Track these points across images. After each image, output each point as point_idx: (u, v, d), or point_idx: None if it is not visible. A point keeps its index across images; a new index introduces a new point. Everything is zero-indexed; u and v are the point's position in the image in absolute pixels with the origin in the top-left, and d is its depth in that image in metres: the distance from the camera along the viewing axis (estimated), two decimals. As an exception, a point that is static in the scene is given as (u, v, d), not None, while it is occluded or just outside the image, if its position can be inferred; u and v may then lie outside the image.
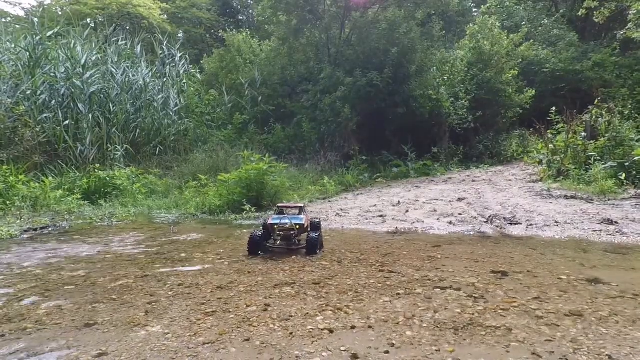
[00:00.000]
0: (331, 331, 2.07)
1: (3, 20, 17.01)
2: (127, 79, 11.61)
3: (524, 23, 18.26)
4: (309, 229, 3.99)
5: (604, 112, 8.54)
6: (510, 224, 4.85)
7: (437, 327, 2.10)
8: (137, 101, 11.42)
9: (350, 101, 11.48)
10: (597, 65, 17.02)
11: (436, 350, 1.86)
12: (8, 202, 6.37)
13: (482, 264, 3.28)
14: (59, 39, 11.23)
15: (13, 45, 10.22)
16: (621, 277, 2.87)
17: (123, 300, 2.59)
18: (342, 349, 1.89)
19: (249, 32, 17.45)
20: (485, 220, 5.10)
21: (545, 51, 17.67)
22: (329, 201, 7.46)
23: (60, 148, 8.81)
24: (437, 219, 5.35)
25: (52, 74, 9.85)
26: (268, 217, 4.02)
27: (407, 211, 6.02)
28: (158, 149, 10.91)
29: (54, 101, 9.38)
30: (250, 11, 27.54)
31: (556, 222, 4.82)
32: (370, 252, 3.77)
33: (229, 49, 16.19)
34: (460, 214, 5.57)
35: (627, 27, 13.12)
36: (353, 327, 2.11)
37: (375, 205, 6.65)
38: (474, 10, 24.38)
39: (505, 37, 14.63)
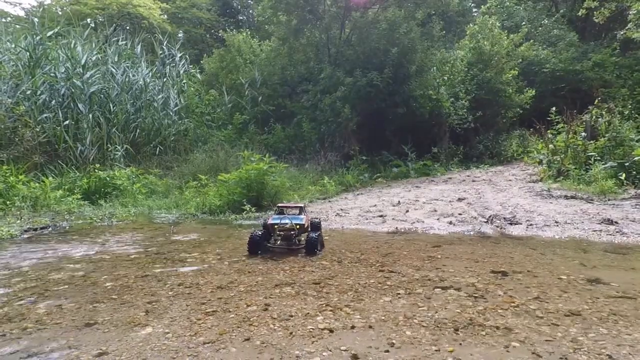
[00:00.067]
0: (331, 331, 2.07)
1: (3, 20, 17.02)
2: (127, 79, 11.61)
3: (524, 23, 18.26)
4: (309, 229, 3.99)
5: (604, 112, 8.54)
6: (510, 224, 4.86)
7: (437, 326, 2.10)
8: (137, 101, 11.42)
9: (350, 101, 11.48)
10: (597, 65, 17.03)
11: (436, 350, 1.86)
12: (8, 202, 6.37)
13: (482, 263, 3.28)
14: (59, 39, 11.23)
15: (13, 45, 10.22)
16: (621, 277, 2.87)
17: (123, 300, 2.59)
18: (342, 348, 1.89)
19: (249, 32, 17.46)
20: (485, 220, 5.10)
21: (545, 51, 17.67)
22: (329, 201, 7.46)
23: (60, 148, 8.81)
24: (437, 219, 5.35)
25: (52, 74, 9.86)
26: (268, 217, 4.02)
27: (407, 211, 6.02)
28: (158, 149, 10.91)
29: (54, 101, 9.38)
30: (250, 11, 27.56)
31: (556, 222, 4.82)
32: (370, 252, 3.77)
33: (229, 49, 16.20)
34: (460, 214, 5.57)
35: (627, 27, 13.12)
36: (353, 327, 2.11)
37: (375, 205, 6.65)
38: (474, 10, 24.39)
39: (505, 37, 14.64)
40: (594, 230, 4.37)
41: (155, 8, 20.13)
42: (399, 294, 2.61)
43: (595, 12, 14.68)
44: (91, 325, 2.22)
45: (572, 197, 6.42)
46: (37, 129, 8.47)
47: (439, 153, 12.82)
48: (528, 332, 2.02)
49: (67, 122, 9.09)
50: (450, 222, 5.10)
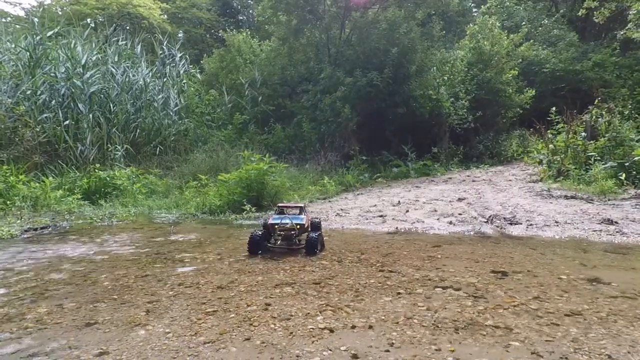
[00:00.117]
0: (331, 331, 2.08)
1: (3, 20, 17.02)
2: (127, 79, 11.61)
3: (524, 23, 18.25)
4: (310, 229, 3.99)
5: (604, 112, 8.54)
6: (510, 224, 4.86)
7: (437, 326, 2.11)
8: (137, 101, 11.42)
9: (350, 101, 11.48)
10: (597, 65, 17.02)
11: (436, 350, 1.86)
12: (8, 202, 6.38)
13: (482, 263, 3.29)
14: (59, 39, 11.24)
15: (13, 45, 10.22)
16: (621, 277, 2.87)
17: (124, 300, 2.60)
18: (342, 348, 1.89)
19: (249, 32, 17.45)
20: (486, 220, 5.10)
21: (545, 51, 17.67)
22: (329, 201, 7.46)
23: (61, 148, 8.81)
24: (437, 219, 5.35)
25: (52, 74, 9.86)
26: (268, 217, 4.02)
27: (407, 211, 6.02)
28: (158, 149, 10.91)
29: (54, 101, 9.38)
30: (250, 11, 27.55)
31: (556, 222, 4.82)
32: (370, 251, 3.77)
33: (229, 49, 16.19)
34: (460, 214, 5.58)
35: (627, 27, 13.11)
36: (353, 327, 2.12)
37: (375, 205, 6.66)
38: (474, 10, 24.38)
39: (505, 37, 14.63)
40: (594, 230, 4.38)
41: (155, 8, 20.13)
42: (399, 293, 2.61)
43: (595, 12, 14.67)
44: (92, 325, 2.22)
45: (572, 197, 6.42)
46: (37, 129, 8.47)
47: (439, 153, 12.81)
48: (528, 332, 2.02)
49: (67, 122, 9.09)
50: (451, 222, 5.10)
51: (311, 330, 2.08)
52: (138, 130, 10.75)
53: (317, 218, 4.26)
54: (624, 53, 17.42)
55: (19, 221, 5.56)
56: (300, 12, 13.25)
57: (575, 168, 7.88)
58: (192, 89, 14.73)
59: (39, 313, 2.39)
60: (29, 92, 9.04)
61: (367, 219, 5.53)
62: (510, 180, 9.22)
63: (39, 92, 9.25)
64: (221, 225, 5.57)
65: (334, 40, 13.57)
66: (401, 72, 11.70)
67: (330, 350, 1.87)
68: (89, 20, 17.55)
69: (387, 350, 1.86)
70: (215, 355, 1.85)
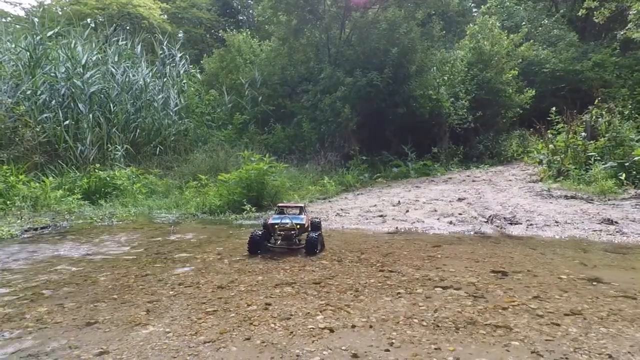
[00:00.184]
0: (331, 330, 2.08)
1: (3, 20, 17.02)
2: (127, 79, 11.61)
3: (524, 23, 18.26)
4: (310, 229, 3.99)
5: (604, 112, 8.55)
6: (511, 223, 4.86)
7: (438, 326, 2.11)
8: (137, 101, 11.42)
9: (350, 101, 11.48)
10: (597, 65, 17.02)
11: (436, 349, 1.86)
12: (8, 202, 6.38)
13: (482, 263, 3.29)
14: (59, 39, 11.24)
15: (13, 45, 10.22)
16: (621, 277, 2.87)
17: (124, 300, 2.60)
18: (342, 348, 1.89)
19: (249, 32, 17.45)
20: (486, 220, 5.10)
21: (545, 51, 17.67)
22: (329, 201, 7.46)
23: (61, 148, 8.81)
24: (437, 219, 5.35)
25: (52, 74, 9.86)
26: (268, 217, 4.02)
27: (407, 211, 6.02)
28: (158, 149, 10.91)
29: (54, 101, 9.38)
30: (250, 11, 27.55)
31: (556, 222, 4.83)
32: (370, 251, 3.78)
33: (229, 49, 16.19)
34: (460, 214, 5.58)
35: (627, 27, 13.12)
36: (353, 326, 2.12)
37: (375, 205, 6.66)
38: (474, 10, 24.39)
39: (505, 37, 14.63)
40: (594, 230, 4.38)
41: (155, 8, 20.14)
42: (399, 293, 2.61)
43: (595, 12, 14.68)
44: (92, 324, 2.22)
45: (572, 197, 6.42)
46: (37, 129, 8.47)
47: (439, 153, 12.82)
48: (528, 332, 2.02)
49: (67, 122, 9.09)
50: (451, 222, 5.10)
51: (311, 329, 2.08)
52: (138, 130, 10.74)
53: (317, 218, 4.26)
54: (624, 53, 17.43)
55: (19, 221, 5.56)
56: (300, 12, 13.25)
57: (575, 168, 7.88)
58: (192, 89, 14.73)
59: (39, 312, 2.39)
60: (29, 92, 9.04)
61: (367, 219, 5.53)
62: (510, 180, 9.23)
63: (39, 92, 9.25)
64: (221, 225, 5.57)
65: (334, 40, 13.57)
66: (401, 72, 11.70)
67: (331, 349, 1.87)
68: (89, 20, 17.55)
69: (387, 350, 1.86)
70: (216, 354, 1.85)
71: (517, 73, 14.78)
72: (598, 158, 7.68)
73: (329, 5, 13.49)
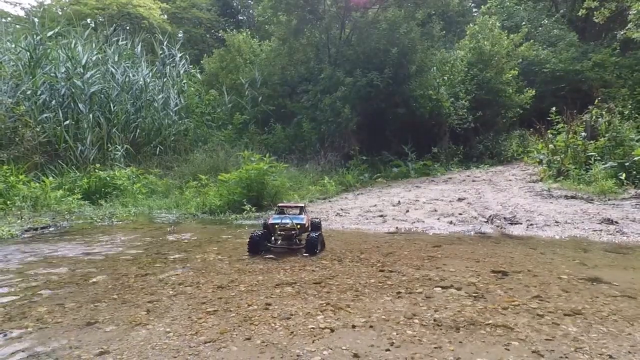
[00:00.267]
0: (332, 330, 2.08)
1: (3, 20, 17.01)
2: (127, 79, 11.62)
3: (524, 23, 18.27)
4: (310, 229, 3.99)
5: (604, 112, 8.55)
6: (511, 223, 4.86)
7: (438, 325, 2.11)
8: (137, 101, 11.43)
9: (350, 101, 11.49)
10: (597, 65, 17.03)
11: (437, 349, 1.86)
12: (9, 202, 6.38)
13: (482, 263, 3.29)
14: (59, 39, 11.24)
15: (13, 45, 10.23)
16: (621, 277, 2.87)
17: (124, 300, 2.60)
18: (342, 347, 1.89)
19: (249, 32, 17.45)
20: (486, 220, 5.10)
21: (546, 51, 17.67)
22: (329, 201, 7.46)
23: (61, 148, 8.82)
24: (438, 219, 5.35)
25: (52, 74, 9.86)
26: (269, 217, 4.02)
27: (408, 211, 6.02)
28: (158, 149, 10.91)
29: (54, 101, 9.39)
30: (250, 11, 27.56)
31: (556, 221, 4.83)
32: (370, 251, 3.78)
33: (229, 49, 16.20)
34: (460, 214, 5.58)
35: (627, 27, 13.11)
36: (354, 326, 2.12)
37: (375, 205, 6.66)
38: (474, 10, 24.40)
39: (505, 37, 14.64)
40: (594, 230, 4.38)
41: (155, 8, 20.15)
42: (399, 293, 2.61)
43: (595, 12, 14.68)
44: (92, 324, 2.22)
45: (572, 197, 6.42)
46: (38, 129, 8.47)
47: (439, 153, 12.82)
48: (528, 331, 2.02)
49: (67, 122, 9.09)
50: (451, 222, 5.10)
51: (312, 329, 2.08)
52: (138, 130, 10.75)
53: (317, 218, 4.26)
54: (624, 53, 17.43)
55: (19, 221, 5.56)
56: (300, 12, 13.25)
57: (575, 168, 7.88)
58: (192, 89, 14.74)
59: (39, 312, 2.39)
60: (29, 92, 9.05)
61: (367, 219, 5.53)
62: (510, 180, 9.22)
63: (39, 92, 9.25)
64: (221, 225, 5.57)
65: (334, 40, 13.57)
66: (401, 72, 11.70)
67: (331, 349, 1.87)
68: (89, 20, 17.57)
69: (388, 350, 1.86)
70: (216, 354, 1.85)
71: (517, 73, 14.79)
72: (598, 158, 7.68)
73: (329, 5, 13.49)
